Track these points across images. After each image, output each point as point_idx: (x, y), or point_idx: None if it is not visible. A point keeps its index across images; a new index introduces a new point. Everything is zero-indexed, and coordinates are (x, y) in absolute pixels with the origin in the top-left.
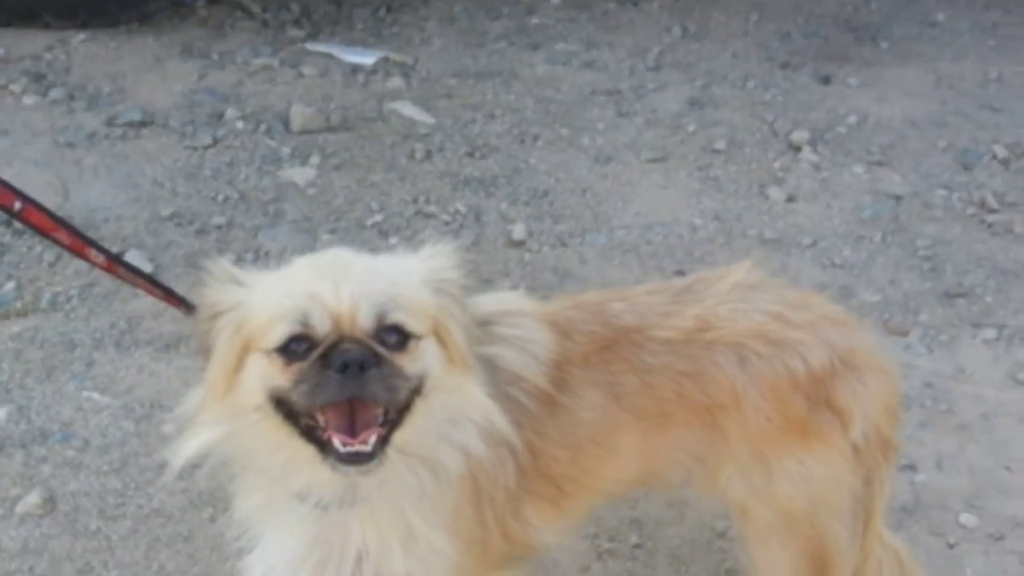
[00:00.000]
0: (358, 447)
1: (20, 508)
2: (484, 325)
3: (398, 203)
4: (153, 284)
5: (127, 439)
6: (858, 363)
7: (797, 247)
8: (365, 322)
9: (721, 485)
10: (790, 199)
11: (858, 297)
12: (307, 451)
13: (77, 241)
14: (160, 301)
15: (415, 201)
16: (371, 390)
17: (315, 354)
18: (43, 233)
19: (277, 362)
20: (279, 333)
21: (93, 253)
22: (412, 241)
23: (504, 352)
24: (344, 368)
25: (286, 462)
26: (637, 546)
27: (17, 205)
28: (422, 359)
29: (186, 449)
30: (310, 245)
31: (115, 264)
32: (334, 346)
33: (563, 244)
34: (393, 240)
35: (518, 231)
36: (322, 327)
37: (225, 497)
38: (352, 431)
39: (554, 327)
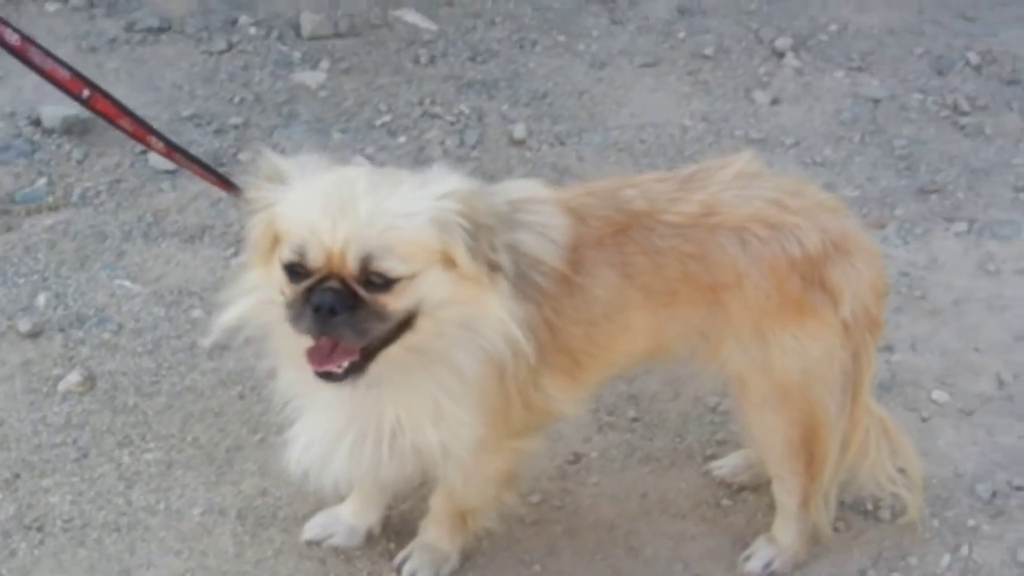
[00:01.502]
0: (330, 369)
1: (62, 386)
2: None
3: (405, 105)
4: (207, 170)
5: (158, 323)
6: (849, 247)
7: (781, 147)
8: (352, 264)
9: (722, 358)
10: (774, 102)
11: (839, 193)
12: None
13: (140, 128)
14: (209, 187)
15: (421, 103)
16: (339, 332)
17: (303, 285)
18: (109, 120)
19: (284, 276)
20: (284, 255)
21: (153, 140)
22: (419, 140)
23: (524, 237)
24: (317, 310)
25: (296, 349)
26: (635, 419)
27: (85, 93)
28: (413, 294)
29: (227, 316)
30: (324, 143)
31: (173, 150)
32: (322, 280)
33: (561, 143)
34: (402, 139)
35: (519, 131)
36: (315, 261)
37: (252, 376)
38: (325, 354)
39: (570, 212)
